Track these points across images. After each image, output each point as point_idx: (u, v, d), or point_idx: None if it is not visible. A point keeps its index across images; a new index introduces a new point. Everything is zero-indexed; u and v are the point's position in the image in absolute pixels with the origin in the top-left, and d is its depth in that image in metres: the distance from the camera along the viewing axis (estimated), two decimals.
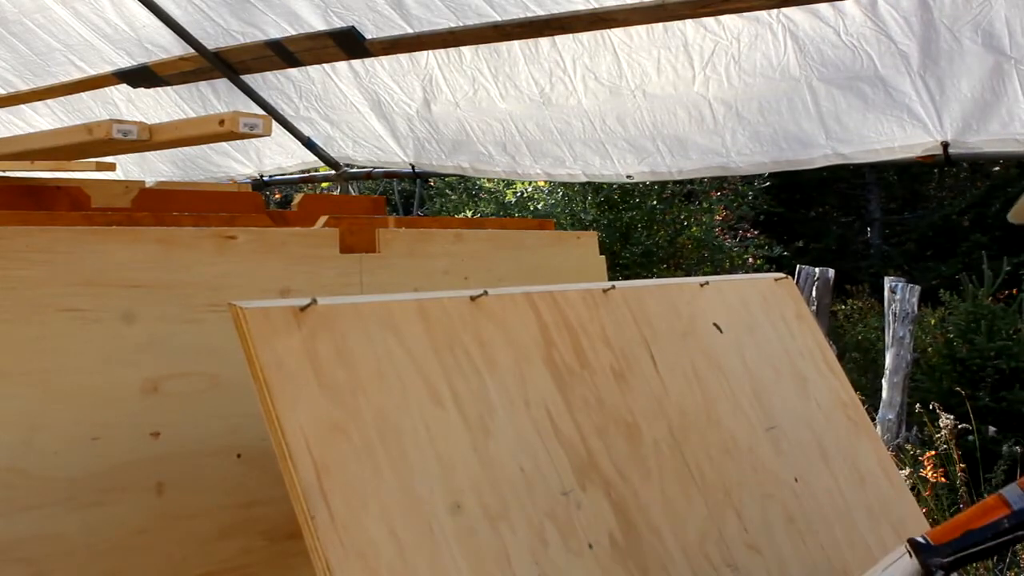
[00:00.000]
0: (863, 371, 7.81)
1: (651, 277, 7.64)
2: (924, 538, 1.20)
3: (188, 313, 1.39)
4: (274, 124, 3.36)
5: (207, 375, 1.39)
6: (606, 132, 3.16)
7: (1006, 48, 2.27)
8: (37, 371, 1.25)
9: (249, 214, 1.73)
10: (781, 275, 1.91)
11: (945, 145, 2.56)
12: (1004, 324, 6.30)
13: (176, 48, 3.59)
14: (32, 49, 3.92)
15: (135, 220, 1.44)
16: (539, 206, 8.42)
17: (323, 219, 1.60)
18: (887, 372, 5.92)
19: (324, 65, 3.46)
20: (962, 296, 6.72)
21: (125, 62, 3.78)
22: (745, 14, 2.55)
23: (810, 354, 1.82)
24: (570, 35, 2.87)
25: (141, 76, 3.81)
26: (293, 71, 3.57)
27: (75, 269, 1.28)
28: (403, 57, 3.26)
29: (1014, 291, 7.30)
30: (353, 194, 4.21)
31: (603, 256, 2.14)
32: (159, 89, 3.94)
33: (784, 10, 2.50)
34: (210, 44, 3.49)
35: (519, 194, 8.57)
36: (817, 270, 6.17)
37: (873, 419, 5.51)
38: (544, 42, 2.95)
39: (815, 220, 13.05)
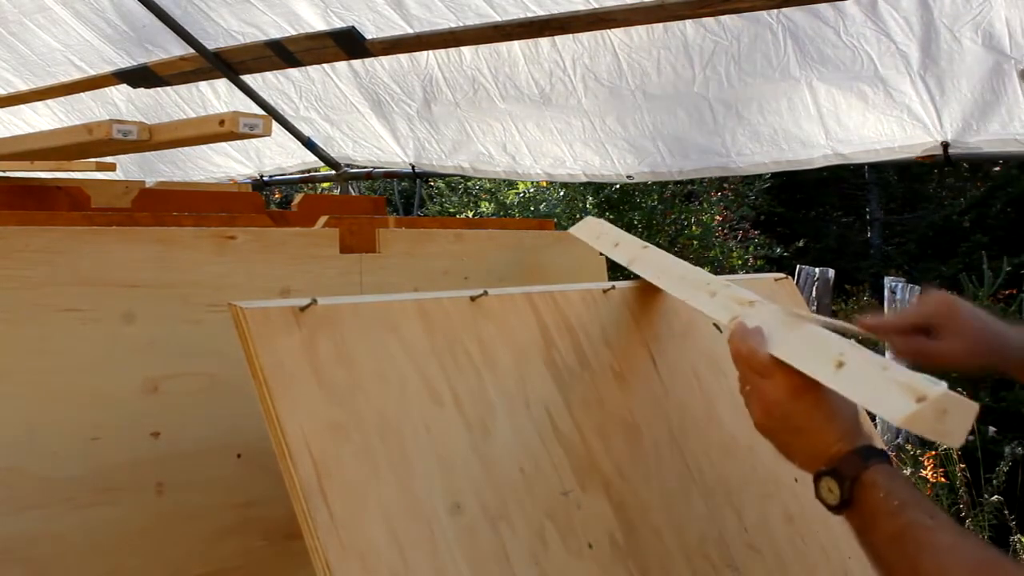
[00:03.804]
0: None
1: None
2: None
3: (188, 313, 1.39)
4: (274, 124, 3.37)
5: (207, 375, 1.39)
6: (606, 132, 3.16)
7: (1006, 48, 2.27)
8: (37, 371, 1.24)
9: (249, 214, 1.72)
10: (781, 275, 1.91)
11: (945, 145, 2.56)
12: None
13: (176, 48, 3.59)
14: (32, 49, 3.92)
15: (135, 220, 1.44)
16: (541, 207, 8.41)
17: (323, 219, 1.60)
18: None
19: (324, 65, 3.47)
20: (963, 296, 6.71)
21: (125, 62, 3.78)
22: (745, 14, 2.56)
23: None
24: (570, 35, 2.87)
25: (141, 76, 3.81)
26: (293, 71, 3.57)
27: (75, 269, 1.28)
28: (403, 57, 3.26)
29: (1014, 291, 7.30)
30: (353, 194, 4.22)
31: (603, 256, 2.13)
32: (159, 89, 3.94)
33: (784, 10, 2.50)
34: (210, 44, 3.49)
35: (521, 195, 8.56)
36: (817, 270, 6.17)
37: (873, 419, 5.50)
38: (544, 42, 2.95)
39: (815, 220, 13.04)
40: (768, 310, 1.22)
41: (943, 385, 1.00)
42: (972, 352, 1.24)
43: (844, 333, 1.19)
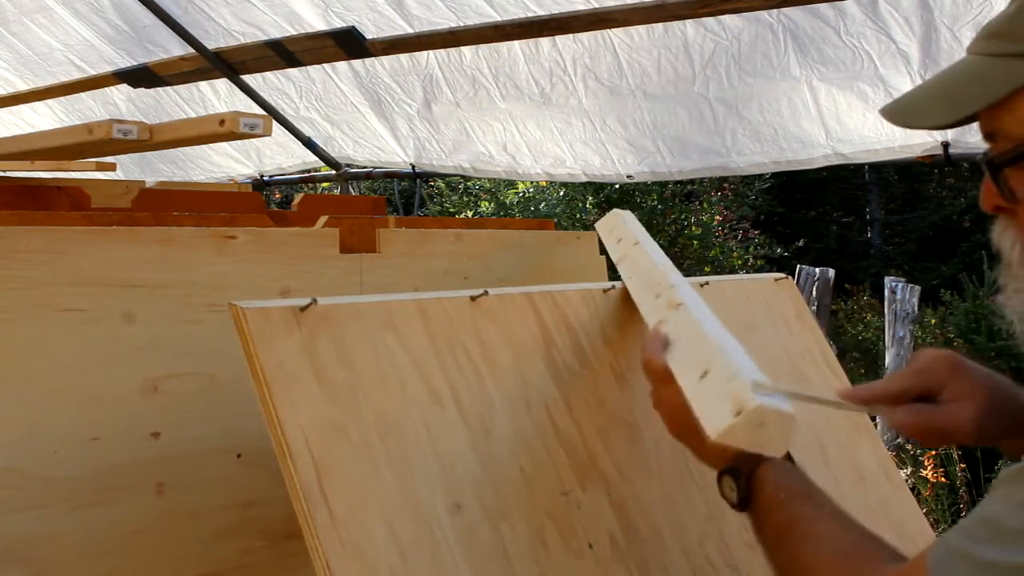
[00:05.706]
0: (863, 371, 7.81)
1: None
2: None
3: (188, 313, 1.39)
4: (274, 124, 3.37)
5: (207, 375, 1.39)
6: (606, 132, 3.16)
7: None
8: (37, 371, 1.24)
9: (249, 214, 1.72)
10: (781, 275, 1.91)
11: (945, 145, 2.56)
12: (1004, 324, 6.29)
13: (176, 48, 3.59)
14: (32, 49, 3.92)
15: (135, 220, 1.44)
16: (541, 207, 8.41)
17: (323, 219, 1.60)
18: (887, 372, 5.92)
19: (324, 65, 3.47)
20: (962, 296, 6.71)
21: (125, 62, 3.78)
22: (745, 14, 2.56)
23: (810, 354, 1.81)
24: (570, 35, 2.87)
25: (141, 76, 3.81)
26: (293, 71, 3.57)
27: (75, 269, 1.28)
28: (403, 57, 3.26)
29: None
30: (353, 194, 4.22)
31: (603, 256, 2.13)
32: (159, 89, 3.94)
33: (784, 10, 2.50)
34: (210, 44, 3.49)
35: (521, 194, 8.56)
36: (817, 270, 6.17)
37: (873, 419, 5.49)
38: (544, 42, 2.95)
39: (815, 220, 13.05)
40: (688, 315, 1.20)
41: (768, 399, 0.95)
42: (986, 414, 1.01)
43: (828, 405, 1.10)
